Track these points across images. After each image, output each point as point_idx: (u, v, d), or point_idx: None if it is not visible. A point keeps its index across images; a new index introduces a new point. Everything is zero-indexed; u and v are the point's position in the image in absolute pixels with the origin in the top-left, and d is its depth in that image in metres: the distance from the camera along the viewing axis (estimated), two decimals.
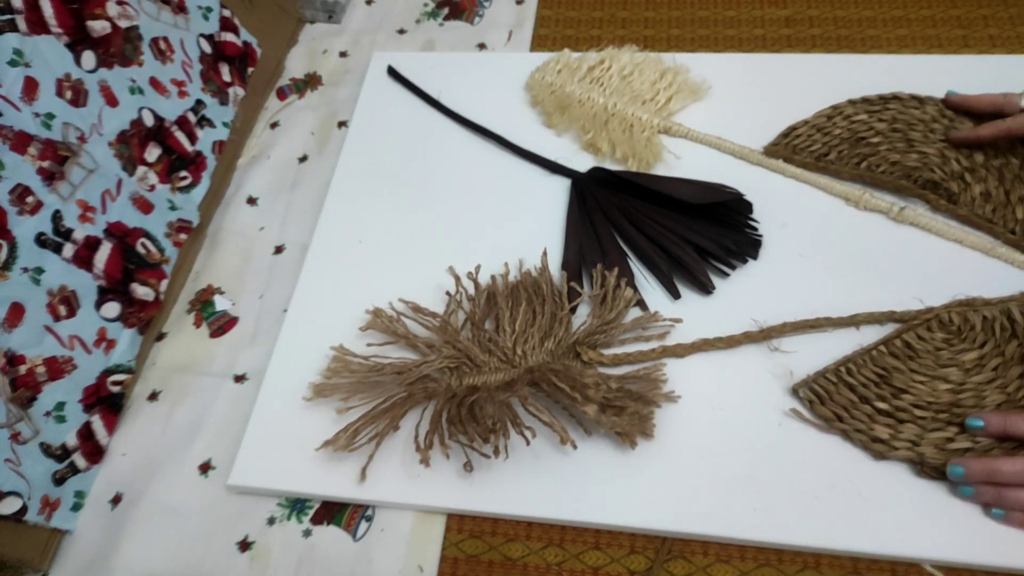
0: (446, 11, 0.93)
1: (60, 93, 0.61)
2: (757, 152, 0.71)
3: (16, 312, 0.57)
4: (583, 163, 0.74)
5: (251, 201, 0.79)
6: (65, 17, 0.62)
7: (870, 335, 0.59)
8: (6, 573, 0.58)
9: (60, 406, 0.60)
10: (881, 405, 0.55)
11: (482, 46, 0.88)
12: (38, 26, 0.60)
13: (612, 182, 0.70)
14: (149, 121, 0.70)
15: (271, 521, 0.59)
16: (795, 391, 0.57)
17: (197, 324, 0.71)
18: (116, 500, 0.62)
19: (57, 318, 0.60)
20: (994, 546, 0.50)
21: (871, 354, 0.57)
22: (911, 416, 0.54)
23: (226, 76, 0.80)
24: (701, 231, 0.65)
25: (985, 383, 0.54)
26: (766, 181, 0.70)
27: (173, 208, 0.72)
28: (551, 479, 0.56)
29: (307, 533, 0.58)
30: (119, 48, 0.67)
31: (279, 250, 0.75)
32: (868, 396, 0.55)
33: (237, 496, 0.61)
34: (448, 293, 0.65)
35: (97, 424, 0.63)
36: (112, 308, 0.65)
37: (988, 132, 0.63)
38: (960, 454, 0.52)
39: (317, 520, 0.59)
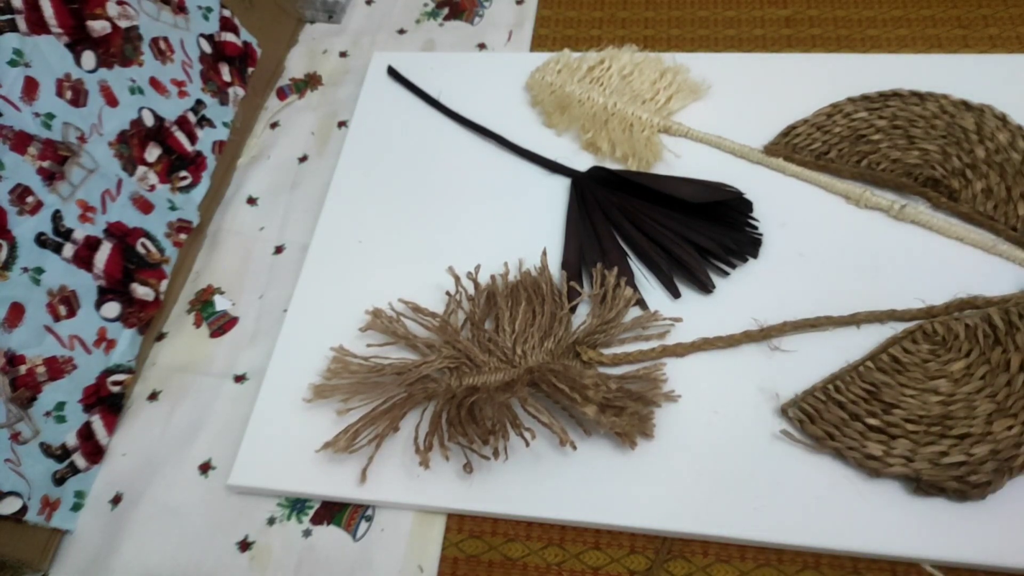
0: (446, 11, 0.93)
1: (60, 93, 0.61)
2: (757, 151, 0.71)
3: (16, 312, 0.57)
4: (583, 162, 0.74)
5: (251, 201, 0.79)
6: (65, 17, 0.62)
7: (871, 334, 0.59)
8: (6, 573, 0.58)
9: (60, 406, 0.60)
10: (872, 421, 0.54)
11: (482, 46, 0.88)
12: (38, 26, 0.60)
13: (612, 181, 0.70)
14: (149, 121, 0.70)
15: (271, 521, 0.59)
16: (784, 411, 0.56)
17: (197, 324, 0.71)
18: (116, 500, 0.62)
19: (57, 318, 0.60)
20: (994, 546, 0.50)
21: (859, 370, 0.57)
22: (903, 431, 0.53)
23: (226, 76, 0.80)
24: (701, 230, 0.65)
25: (975, 392, 0.54)
26: (766, 180, 0.70)
27: (173, 208, 0.72)
28: (551, 479, 0.56)
29: (307, 533, 0.58)
30: (119, 48, 0.67)
31: (279, 250, 0.75)
32: (858, 413, 0.55)
33: (237, 496, 0.61)
34: (448, 293, 0.65)
35: (97, 424, 0.63)
36: (112, 308, 0.65)
37: None
38: (955, 468, 0.51)
39: (317, 520, 0.59)
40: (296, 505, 0.60)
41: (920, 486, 0.52)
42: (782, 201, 0.68)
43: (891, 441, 0.53)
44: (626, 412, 0.55)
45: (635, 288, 0.63)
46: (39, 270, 0.59)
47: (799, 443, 0.55)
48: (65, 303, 0.61)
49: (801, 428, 0.55)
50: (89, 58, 0.64)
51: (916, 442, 0.53)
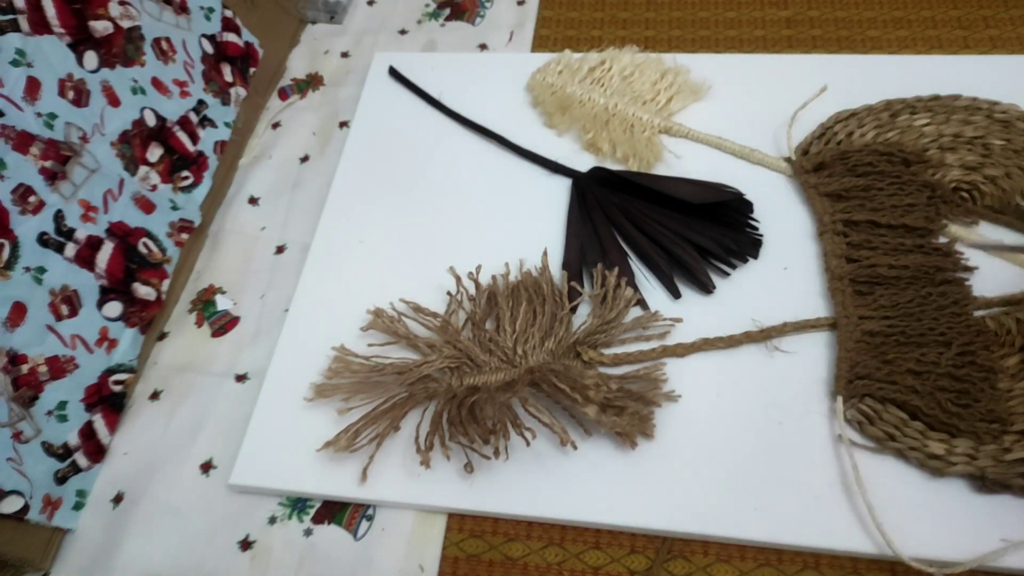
0: (447, 12, 0.93)
1: (62, 93, 0.62)
2: (758, 152, 0.71)
3: (18, 311, 0.57)
4: (584, 163, 0.74)
5: (253, 201, 0.79)
6: (67, 17, 0.62)
7: None
8: (8, 572, 0.58)
9: (62, 405, 0.60)
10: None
11: (483, 47, 0.88)
12: (40, 26, 0.60)
13: (613, 182, 0.70)
14: (151, 121, 0.70)
15: (272, 520, 0.59)
16: (842, 414, 0.55)
17: (199, 324, 0.71)
18: (118, 499, 0.62)
19: (59, 317, 0.60)
20: (993, 546, 0.50)
21: None
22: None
23: (228, 76, 0.80)
24: (702, 231, 0.65)
25: None
26: (766, 181, 0.70)
27: (175, 208, 0.72)
28: (551, 479, 0.57)
29: (308, 532, 0.59)
30: (121, 48, 0.67)
31: (280, 250, 0.75)
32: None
33: (238, 495, 0.61)
34: (449, 293, 0.66)
35: (99, 423, 0.63)
36: (114, 308, 0.65)
37: None
38: (1020, 465, 0.50)
39: (318, 519, 0.59)
40: (297, 504, 0.60)
41: (986, 484, 0.51)
42: (783, 201, 0.68)
43: (952, 439, 0.52)
44: (626, 412, 0.55)
45: (636, 288, 0.63)
46: (41, 270, 0.59)
47: (858, 446, 0.54)
48: (67, 302, 0.61)
49: (860, 430, 0.55)
50: (91, 58, 0.64)
51: (978, 439, 0.52)
